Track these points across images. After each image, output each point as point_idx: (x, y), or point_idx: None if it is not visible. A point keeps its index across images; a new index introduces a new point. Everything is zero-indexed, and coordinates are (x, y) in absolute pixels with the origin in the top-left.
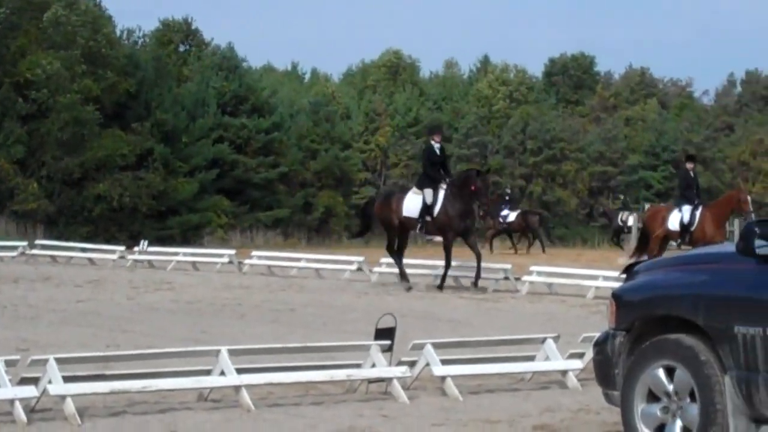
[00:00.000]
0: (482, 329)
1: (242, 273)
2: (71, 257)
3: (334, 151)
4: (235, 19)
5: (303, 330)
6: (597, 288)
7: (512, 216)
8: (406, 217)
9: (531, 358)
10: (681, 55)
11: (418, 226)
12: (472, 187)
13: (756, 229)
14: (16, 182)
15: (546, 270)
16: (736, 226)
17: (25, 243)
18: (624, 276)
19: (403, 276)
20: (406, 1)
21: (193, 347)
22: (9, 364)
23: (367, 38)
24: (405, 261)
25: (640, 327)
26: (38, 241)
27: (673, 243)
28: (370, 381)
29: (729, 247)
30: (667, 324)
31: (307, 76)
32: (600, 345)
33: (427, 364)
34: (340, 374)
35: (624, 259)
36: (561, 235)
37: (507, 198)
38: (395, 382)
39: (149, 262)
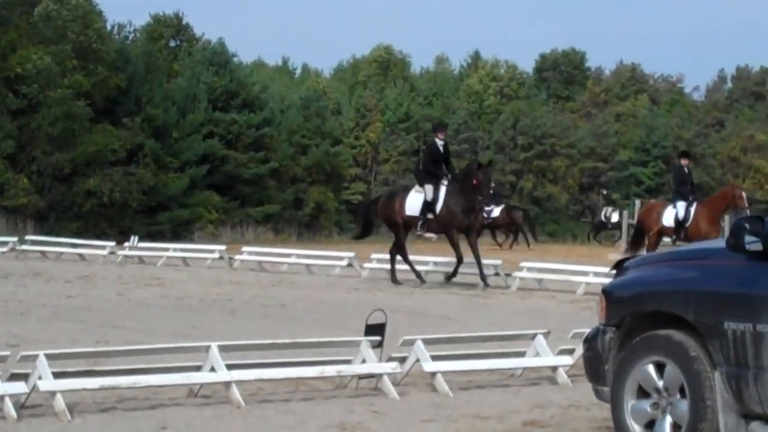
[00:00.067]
0: (472, 325)
1: (233, 269)
2: (61, 253)
3: (324, 147)
4: (225, 14)
5: (293, 326)
6: (587, 284)
7: (497, 211)
8: (409, 216)
9: (521, 354)
10: (672, 51)
11: (419, 223)
12: (474, 181)
13: (746, 225)
14: (6, 177)
15: (536, 266)
16: (726, 222)
17: (15, 238)
18: (614, 272)
19: (392, 273)
20: None
21: (183, 343)
22: None
23: (358, 34)
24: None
25: (630, 323)
26: (28, 237)
27: (668, 239)
28: (361, 377)
29: (719, 243)
30: (657, 320)
31: (298, 72)
32: (590, 341)
33: (418, 360)
34: (330, 370)
35: (614, 255)
36: (551, 231)
37: (492, 193)
38: (385, 378)
39: (139, 257)
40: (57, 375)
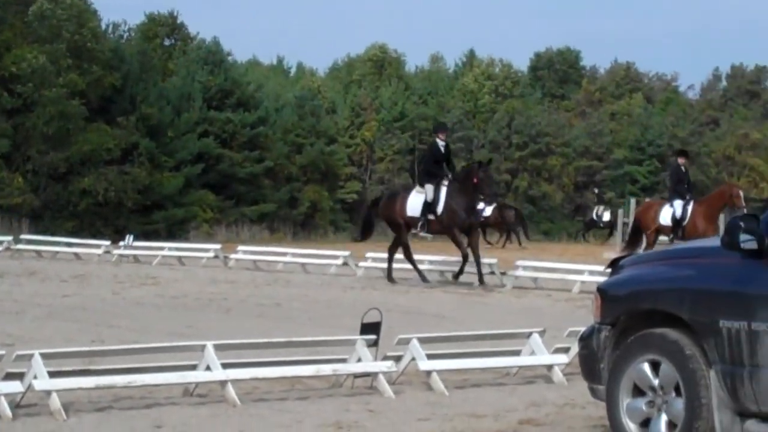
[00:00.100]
0: (468, 324)
1: (228, 268)
2: (56, 252)
3: (319, 146)
4: (220, 13)
5: (289, 325)
6: (582, 282)
7: (488, 210)
8: (410, 217)
9: (516, 353)
10: (666, 50)
11: (419, 224)
12: (474, 180)
13: (741, 223)
14: (1, 177)
15: (531, 264)
16: (722, 221)
17: (10, 238)
18: (609, 270)
19: (389, 271)
20: None
21: (179, 342)
22: None
23: (353, 32)
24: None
25: (626, 321)
26: (23, 236)
27: (665, 238)
28: (356, 376)
29: (714, 241)
30: (653, 318)
31: (293, 71)
32: (585, 339)
33: (413, 359)
34: (325, 369)
35: (609, 254)
36: (546, 230)
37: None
38: (381, 376)
39: (135, 256)
40: (52, 374)
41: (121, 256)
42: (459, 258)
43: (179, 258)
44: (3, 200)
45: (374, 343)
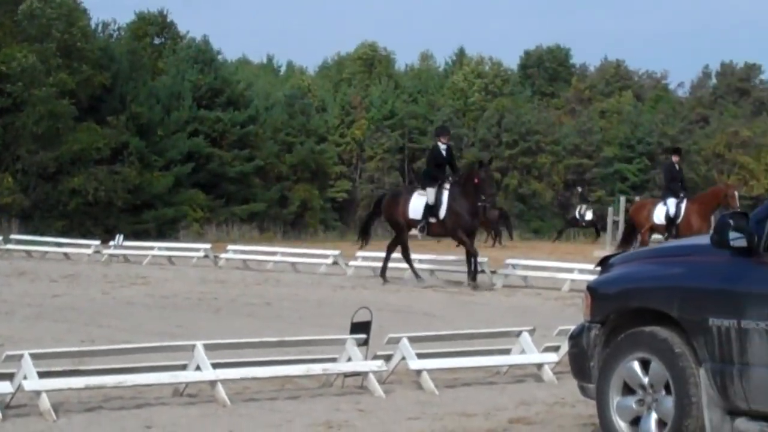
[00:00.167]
0: (458, 323)
1: (218, 267)
2: (46, 252)
3: (309, 145)
4: (210, 11)
5: (279, 324)
6: (572, 281)
7: None
8: (412, 219)
9: (506, 352)
10: (656, 48)
11: (419, 226)
12: (475, 180)
13: (730, 221)
14: None
15: (521, 263)
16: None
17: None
18: (599, 269)
19: (383, 270)
20: None
21: (169, 342)
22: None
23: (343, 31)
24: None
25: (615, 319)
26: (13, 236)
27: (659, 236)
28: (346, 375)
29: (703, 239)
30: (642, 316)
31: (283, 69)
32: (575, 338)
33: (403, 358)
34: (316, 368)
35: (600, 252)
36: (536, 228)
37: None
38: (371, 376)
39: (125, 256)
40: (42, 374)
41: (111, 255)
42: (456, 257)
43: (169, 258)
44: None
45: (364, 343)
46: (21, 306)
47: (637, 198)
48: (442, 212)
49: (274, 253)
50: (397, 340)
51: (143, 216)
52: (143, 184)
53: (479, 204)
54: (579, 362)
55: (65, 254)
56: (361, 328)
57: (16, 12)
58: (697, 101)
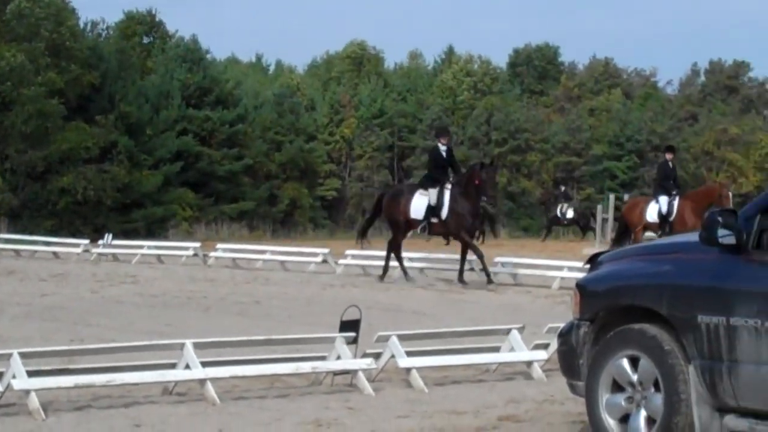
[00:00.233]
0: (447, 321)
1: (207, 266)
2: (35, 251)
3: (298, 143)
4: (199, 10)
5: (268, 322)
6: (562, 278)
7: None
8: (413, 219)
9: (496, 349)
10: (645, 45)
11: (421, 227)
12: (477, 181)
13: (719, 218)
14: None
15: (511, 261)
16: None
17: None
18: (588, 266)
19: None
20: None
21: (158, 341)
22: None
23: (332, 30)
24: (376, 253)
25: (604, 317)
26: (2, 235)
27: (652, 234)
28: (336, 373)
29: (692, 236)
30: (631, 314)
31: (272, 68)
32: (564, 335)
33: (393, 356)
34: (305, 367)
35: (589, 250)
36: (526, 226)
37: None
38: (360, 374)
39: (114, 255)
40: (31, 374)
41: (100, 254)
42: (445, 255)
43: (158, 256)
44: None
45: (353, 341)
46: (10, 305)
47: (626, 196)
48: (444, 213)
49: (263, 252)
50: (387, 338)
51: (132, 215)
52: (132, 183)
53: (481, 204)
54: (568, 360)
55: (54, 253)
56: (350, 326)
57: (4, 11)
58: (685, 99)
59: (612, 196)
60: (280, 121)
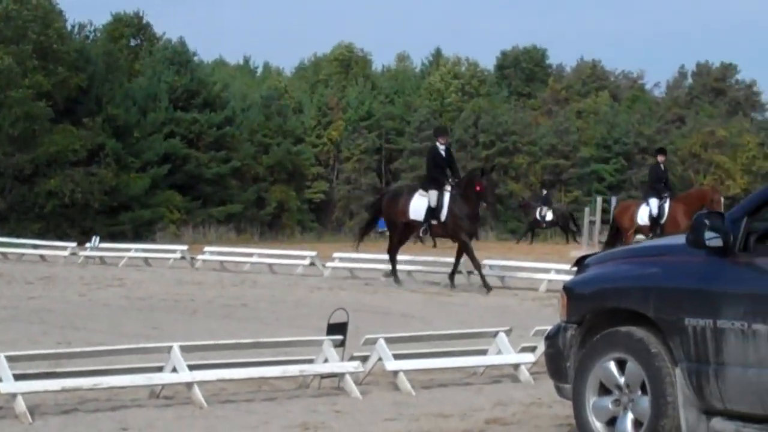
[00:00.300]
0: (435, 323)
1: (195, 269)
2: (22, 254)
3: (286, 146)
4: (186, 13)
5: (255, 325)
6: (549, 281)
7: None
8: (413, 220)
9: (483, 352)
10: (632, 48)
11: (422, 229)
12: (477, 187)
13: (706, 221)
14: None
15: (498, 263)
16: None
17: None
18: (575, 269)
19: (394, 273)
20: None
21: (145, 344)
22: None
23: (319, 32)
24: (363, 256)
25: (591, 320)
26: None
27: (642, 236)
28: (323, 376)
29: (679, 239)
30: (618, 316)
31: (259, 70)
32: (551, 338)
33: (380, 359)
34: (292, 370)
35: (577, 252)
36: (513, 229)
37: None
38: (348, 377)
39: (101, 258)
40: (18, 377)
41: (87, 257)
42: (433, 258)
43: (146, 259)
44: None
45: (341, 344)
46: None
47: (613, 199)
48: (443, 215)
49: (250, 255)
50: (374, 341)
51: (120, 218)
52: (120, 185)
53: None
54: (555, 362)
55: (41, 256)
56: (337, 329)
57: None
58: (673, 101)
59: (599, 199)
60: (267, 123)
